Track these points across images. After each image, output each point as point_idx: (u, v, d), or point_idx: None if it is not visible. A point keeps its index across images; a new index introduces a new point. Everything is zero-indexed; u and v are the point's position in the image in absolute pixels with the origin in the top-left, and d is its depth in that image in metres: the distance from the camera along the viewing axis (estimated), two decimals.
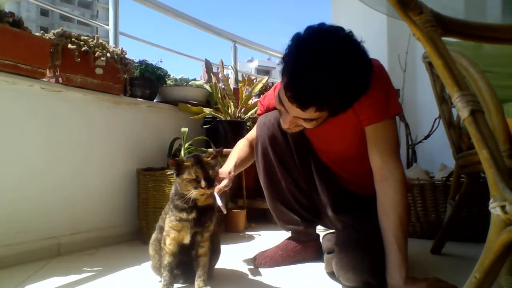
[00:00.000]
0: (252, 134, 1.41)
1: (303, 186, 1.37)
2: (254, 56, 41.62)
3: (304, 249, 1.44)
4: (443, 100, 1.47)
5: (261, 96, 1.47)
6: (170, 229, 1.06)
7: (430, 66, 1.48)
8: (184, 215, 1.04)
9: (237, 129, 2.16)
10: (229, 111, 2.25)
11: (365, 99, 1.02)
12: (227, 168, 1.20)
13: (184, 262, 1.11)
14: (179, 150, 1.96)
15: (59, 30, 1.65)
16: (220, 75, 2.50)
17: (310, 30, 0.96)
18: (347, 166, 1.31)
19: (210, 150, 1.73)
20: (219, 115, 2.23)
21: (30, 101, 1.52)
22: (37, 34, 1.57)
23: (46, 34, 1.62)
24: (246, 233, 2.07)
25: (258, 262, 1.39)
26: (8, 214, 1.42)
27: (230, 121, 2.19)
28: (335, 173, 1.34)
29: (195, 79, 2.54)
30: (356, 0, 1.04)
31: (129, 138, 1.93)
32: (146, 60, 2.15)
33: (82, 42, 1.66)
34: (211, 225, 1.10)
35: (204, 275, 1.08)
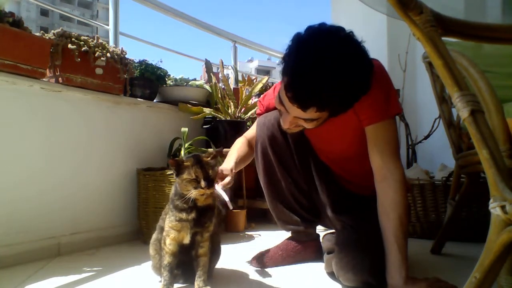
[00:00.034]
0: (250, 132, 1.41)
1: (303, 186, 1.37)
2: (254, 56, 41.65)
3: (304, 249, 1.44)
4: (443, 100, 1.47)
5: (261, 96, 1.46)
6: (170, 229, 1.06)
7: (430, 66, 1.48)
8: (183, 215, 1.04)
9: (237, 129, 2.16)
10: (229, 111, 2.25)
11: (366, 99, 1.02)
12: (228, 165, 1.19)
13: (184, 262, 1.11)
14: (179, 150, 1.96)
15: (59, 30, 1.65)
16: (220, 75, 2.50)
17: (311, 30, 0.96)
18: (347, 166, 1.31)
19: (210, 150, 1.73)
20: (219, 115, 2.23)
21: (30, 101, 1.52)
22: (37, 34, 1.57)
23: (46, 34, 1.62)
24: (246, 233, 2.07)
25: (258, 262, 1.39)
26: (8, 214, 1.42)
27: (230, 121, 2.19)
28: (335, 173, 1.34)
29: (195, 79, 2.54)
30: (356, 0, 1.04)
31: (129, 138, 1.93)
32: (146, 60, 2.15)
33: (82, 42, 1.66)
34: (211, 225, 1.10)
35: (204, 275, 1.08)
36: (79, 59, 1.63)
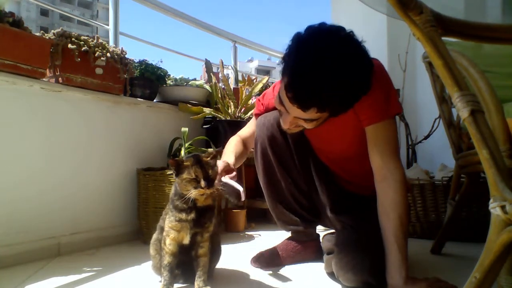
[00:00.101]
0: (244, 132, 1.40)
1: (303, 187, 1.37)
2: (254, 56, 41.64)
3: (304, 249, 1.44)
4: (443, 100, 1.47)
5: (260, 95, 1.45)
6: (170, 229, 1.06)
7: (430, 66, 1.48)
8: (183, 216, 1.04)
9: (237, 129, 2.13)
10: (229, 111, 2.25)
11: (366, 99, 1.01)
12: (229, 160, 1.18)
13: (184, 262, 1.11)
14: (179, 150, 1.96)
15: (59, 30, 1.65)
16: (220, 75, 2.50)
17: (311, 30, 0.95)
18: (347, 166, 1.31)
19: (210, 150, 1.73)
20: (219, 115, 2.23)
21: (30, 101, 1.52)
22: (37, 34, 1.57)
23: (46, 34, 1.62)
24: (246, 233, 2.07)
25: (257, 262, 1.38)
26: (8, 214, 1.42)
27: (230, 121, 2.19)
28: (335, 174, 1.34)
29: (195, 79, 2.54)
30: (356, 0, 1.03)
31: (129, 138, 1.93)
32: (146, 60, 2.15)
33: (82, 42, 1.66)
34: (211, 226, 1.10)
35: (204, 275, 1.08)
36: (79, 59, 1.63)
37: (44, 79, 1.58)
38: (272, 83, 1.44)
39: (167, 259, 1.06)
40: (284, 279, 1.24)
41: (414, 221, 1.92)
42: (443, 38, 0.73)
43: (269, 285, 1.18)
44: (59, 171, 1.61)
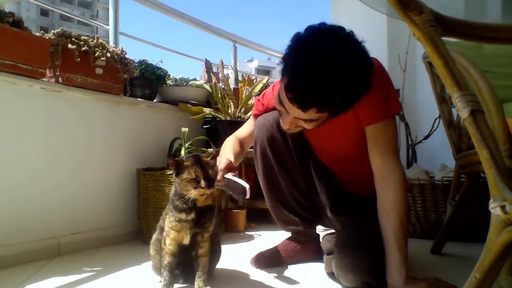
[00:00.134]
0: (240, 132, 1.38)
1: (303, 187, 1.37)
2: (254, 56, 41.64)
3: (303, 249, 1.44)
4: (443, 100, 1.47)
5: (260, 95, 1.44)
6: (170, 229, 1.06)
7: (430, 66, 1.48)
8: (183, 216, 1.04)
9: (237, 129, 2.15)
10: (229, 111, 2.25)
11: (365, 99, 1.01)
12: (230, 157, 1.16)
13: (184, 262, 1.11)
14: (179, 150, 1.96)
15: (59, 30, 1.65)
16: (220, 75, 2.50)
17: (311, 30, 0.95)
18: (347, 167, 1.31)
19: (210, 150, 1.73)
20: (219, 115, 2.23)
21: (30, 101, 1.52)
22: (37, 34, 1.57)
23: (46, 34, 1.62)
24: (246, 233, 2.07)
25: (257, 262, 1.39)
26: (8, 214, 1.42)
27: (230, 121, 2.19)
28: (335, 174, 1.34)
29: (195, 79, 2.54)
30: (356, 0, 1.03)
31: (129, 138, 1.93)
32: (146, 60, 2.15)
33: (82, 42, 1.66)
34: (211, 226, 1.10)
35: (204, 275, 1.08)
36: (79, 59, 1.63)
37: (44, 79, 1.58)
38: (272, 83, 1.44)
39: (167, 259, 1.06)
40: (284, 279, 1.24)
41: (414, 221, 1.92)
42: (443, 38, 0.73)
43: (269, 285, 1.18)
44: (59, 171, 1.61)
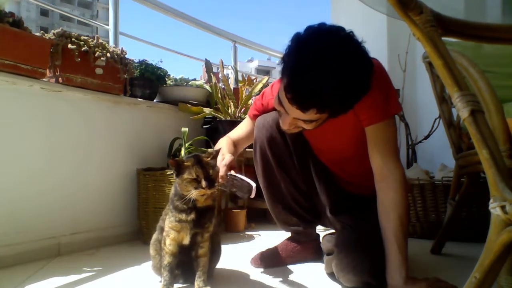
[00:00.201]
0: (235, 133, 1.37)
1: (302, 187, 1.37)
2: (254, 56, 41.65)
3: (303, 249, 1.44)
4: (443, 100, 1.47)
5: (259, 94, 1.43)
6: (170, 229, 1.06)
7: (430, 66, 1.48)
8: (183, 216, 1.04)
9: None
10: (229, 111, 2.25)
11: (365, 99, 1.01)
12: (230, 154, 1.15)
13: (184, 262, 1.11)
14: (179, 150, 1.96)
15: (59, 30, 1.65)
16: (220, 75, 2.50)
17: (310, 30, 0.95)
18: (347, 167, 1.31)
19: (210, 150, 1.73)
20: (219, 115, 2.23)
21: (30, 101, 1.52)
22: (37, 34, 1.56)
23: (46, 34, 1.62)
24: (246, 233, 2.07)
25: (257, 262, 1.39)
26: (8, 214, 1.42)
27: (230, 121, 2.19)
28: (335, 174, 1.34)
29: (195, 79, 2.54)
30: (356, 0, 1.03)
31: (129, 138, 1.93)
32: (146, 60, 2.15)
33: (82, 42, 1.66)
34: (211, 226, 1.10)
35: (204, 275, 1.08)
36: (79, 59, 1.63)
37: (44, 79, 1.58)
38: (272, 83, 1.44)
39: (167, 259, 1.06)
40: (284, 279, 1.24)
41: (414, 221, 1.92)
42: (443, 38, 0.73)
43: (269, 285, 1.18)
44: (59, 171, 1.61)
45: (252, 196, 1.04)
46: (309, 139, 1.32)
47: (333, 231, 1.41)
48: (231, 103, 2.26)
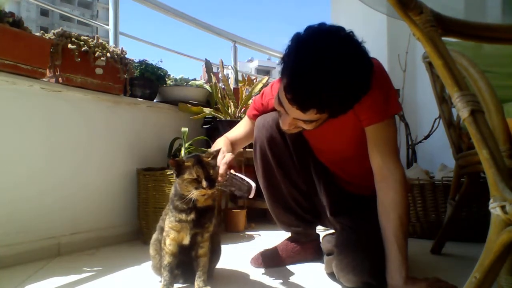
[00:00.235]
0: (233, 133, 1.36)
1: (302, 187, 1.37)
2: (254, 56, 41.67)
3: (303, 249, 1.44)
4: (443, 100, 1.47)
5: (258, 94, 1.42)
6: (170, 229, 1.06)
7: (430, 66, 1.48)
8: (183, 216, 1.04)
9: None
10: (229, 111, 2.25)
11: (365, 99, 1.01)
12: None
13: (184, 262, 1.11)
14: (179, 150, 1.96)
15: (59, 30, 1.65)
16: (220, 75, 2.50)
17: (310, 30, 0.95)
18: (347, 167, 1.31)
19: (210, 150, 1.73)
20: (219, 115, 2.23)
21: (30, 101, 1.52)
22: (37, 34, 1.56)
23: (46, 34, 1.62)
24: (246, 233, 2.07)
25: (257, 262, 1.39)
26: (8, 214, 1.42)
27: (230, 121, 2.19)
28: (335, 174, 1.34)
29: (195, 79, 2.54)
30: (356, 0, 1.03)
31: (129, 138, 1.93)
32: (146, 60, 2.15)
33: (82, 42, 1.66)
34: (211, 226, 1.10)
35: (204, 275, 1.08)
36: (79, 59, 1.63)
37: (44, 79, 1.58)
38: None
39: (167, 259, 1.06)
40: (284, 279, 1.24)
41: (414, 221, 1.92)
42: (443, 38, 0.73)
43: (269, 285, 1.18)
44: (59, 171, 1.61)
45: (251, 196, 1.03)
46: (309, 139, 1.32)
47: (333, 231, 1.41)
48: (231, 103, 2.26)
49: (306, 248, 1.44)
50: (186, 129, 1.87)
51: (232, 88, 2.34)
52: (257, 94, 2.38)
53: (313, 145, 1.33)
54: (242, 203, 2.25)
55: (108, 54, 1.74)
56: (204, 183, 0.99)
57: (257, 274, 1.30)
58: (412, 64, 2.74)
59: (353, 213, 1.25)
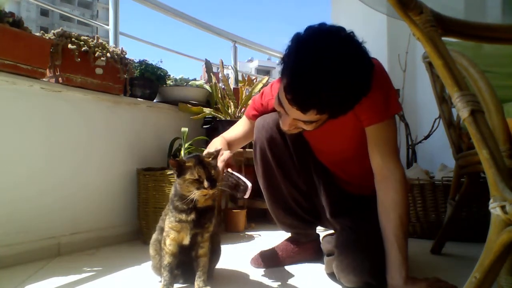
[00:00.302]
0: (230, 133, 1.36)
1: (303, 188, 1.36)
2: (254, 56, 41.67)
3: (303, 250, 1.44)
4: (443, 100, 1.47)
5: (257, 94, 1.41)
6: (170, 229, 1.06)
7: (430, 66, 1.48)
8: (183, 216, 1.04)
9: None
10: (229, 111, 2.25)
11: (365, 100, 1.00)
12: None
13: (184, 262, 1.11)
14: (179, 150, 1.96)
15: (59, 30, 1.65)
16: (220, 75, 2.50)
17: (310, 30, 0.94)
18: (347, 167, 1.31)
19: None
20: (219, 115, 2.23)
21: (30, 101, 1.52)
22: (37, 34, 1.56)
23: (46, 34, 1.62)
24: (246, 233, 2.07)
25: (257, 262, 1.39)
26: (8, 214, 1.42)
27: (230, 121, 2.18)
28: (335, 175, 1.34)
29: (195, 79, 2.54)
30: (356, 0, 1.03)
31: (129, 138, 1.93)
32: (146, 60, 2.15)
33: (82, 42, 1.66)
34: (211, 226, 1.10)
35: (204, 275, 1.08)
36: (79, 59, 1.63)
37: (44, 79, 1.58)
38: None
39: (167, 260, 1.06)
40: (284, 279, 1.24)
41: (414, 221, 1.92)
42: (443, 38, 0.73)
43: (269, 285, 1.18)
44: (59, 171, 1.61)
45: (247, 196, 1.03)
46: (309, 140, 1.32)
47: (332, 231, 1.41)
48: (231, 103, 2.26)
49: (306, 248, 1.44)
50: (186, 129, 1.87)
51: (232, 88, 2.34)
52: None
53: (313, 145, 1.33)
54: (242, 203, 2.25)
55: (108, 54, 1.74)
56: (205, 184, 0.99)
57: (257, 274, 1.30)
58: (412, 64, 2.74)
59: (353, 214, 1.25)
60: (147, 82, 2.05)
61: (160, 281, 1.08)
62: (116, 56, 1.79)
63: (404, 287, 0.97)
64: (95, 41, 1.72)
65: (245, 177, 1.05)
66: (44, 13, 33.18)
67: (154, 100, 2.14)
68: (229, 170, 1.08)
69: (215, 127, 2.17)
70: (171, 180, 1.68)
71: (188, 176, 1.00)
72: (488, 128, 0.64)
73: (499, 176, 0.61)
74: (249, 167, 1.58)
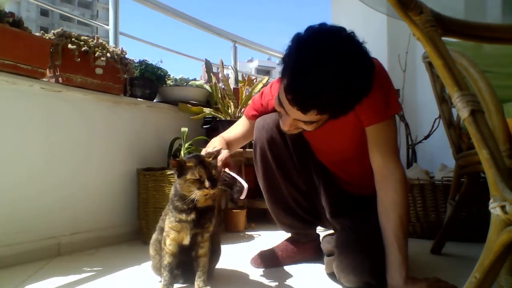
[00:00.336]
0: (229, 133, 1.35)
1: (303, 188, 1.36)
2: (254, 56, 41.67)
3: (303, 250, 1.44)
4: (443, 100, 1.47)
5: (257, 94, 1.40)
6: (170, 229, 1.06)
7: (430, 66, 1.48)
8: (183, 216, 1.04)
9: None
10: (229, 111, 2.25)
11: (366, 100, 1.00)
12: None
13: (184, 262, 1.11)
14: (179, 150, 1.96)
15: (59, 30, 1.65)
16: (220, 75, 2.50)
17: (311, 30, 0.94)
18: (347, 167, 1.31)
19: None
20: (219, 115, 2.23)
21: (30, 101, 1.52)
22: (37, 34, 1.57)
23: (46, 34, 1.62)
24: (246, 233, 2.07)
25: (257, 262, 1.38)
26: (8, 214, 1.42)
27: (230, 121, 2.18)
28: (335, 175, 1.34)
29: (195, 79, 2.54)
30: (356, 0, 1.03)
31: (129, 138, 1.93)
32: (146, 60, 2.15)
33: (82, 42, 1.66)
34: (211, 226, 1.09)
35: (204, 275, 1.08)
36: (79, 59, 1.63)
37: (44, 79, 1.58)
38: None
39: (167, 260, 1.06)
40: (284, 279, 1.24)
41: (414, 221, 1.92)
42: (443, 38, 0.73)
43: (269, 285, 1.18)
44: (59, 171, 1.61)
45: (242, 197, 1.03)
46: (310, 140, 1.32)
47: (332, 231, 1.41)
48: (231, 103, 2.26)
49: (306, 248, 1.44)
50: (186, 129, 1.87)
51: (232, 88, 2.34)
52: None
53: (314, 145, 1.33)
54: (242, 203, 2.24)
55: (108, 54, 1.74)
56: (207, 183, 0.98)
57: (257, 274, 1.30)
58: (412, 64, 2.74)
59: (353, 214, 1.25)
60: (147, 82, 2.05)
61: (160, 281, 1.08)
62: (116, 56, 1.79)
63: (404, 287, 0.97)
64: (95, 41, 1.72)
65: (243, 178, 1.05)
66: (44, 13, 33.18)
67: (154, 100, 2.14)
68: (226, 170, 1.08)
69: (215, 127, 2.17)
70: (171, 180, 1.68)
71: (189, 176, 1.00)
72: (488, 128, 0.64)
73: (499, 176, 0.61)
74: (249, 167, 1.58)
